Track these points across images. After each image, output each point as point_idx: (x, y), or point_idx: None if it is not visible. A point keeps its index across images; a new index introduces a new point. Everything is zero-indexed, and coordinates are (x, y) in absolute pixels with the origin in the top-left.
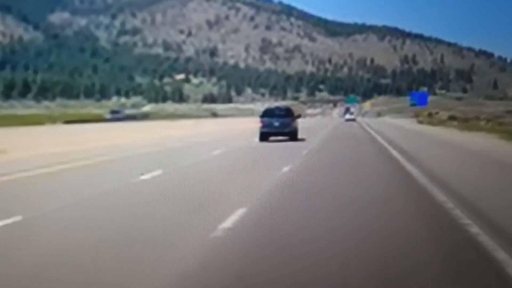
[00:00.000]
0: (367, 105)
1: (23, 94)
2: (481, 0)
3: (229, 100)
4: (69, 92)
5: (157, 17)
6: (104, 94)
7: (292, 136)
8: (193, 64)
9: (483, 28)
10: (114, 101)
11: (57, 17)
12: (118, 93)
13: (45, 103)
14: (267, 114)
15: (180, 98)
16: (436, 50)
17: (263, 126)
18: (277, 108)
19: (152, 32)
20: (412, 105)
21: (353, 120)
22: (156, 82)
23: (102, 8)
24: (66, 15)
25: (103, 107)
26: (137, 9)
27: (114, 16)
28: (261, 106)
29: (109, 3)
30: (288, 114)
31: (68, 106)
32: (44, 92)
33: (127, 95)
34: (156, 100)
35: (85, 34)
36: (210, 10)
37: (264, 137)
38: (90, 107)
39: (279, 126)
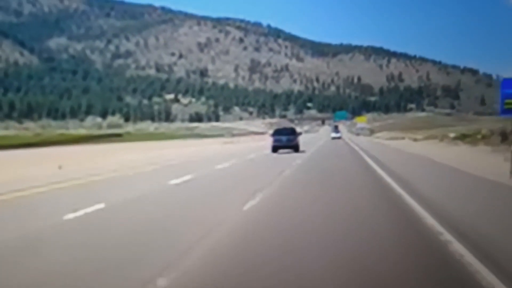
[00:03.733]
0: (361, 119)
1: (8, 116)
2: (464, 19)
3: (217, 119)
4: (55, 113)
5: (150, 41)
6: (91, 114)
7: (296, 148)
8: (184, 84)
9: (467, 46)
10: (89, 121)
11: (54, 42)
12: (104, 113)
13: (26, 124)
14: (277, 132)
15: (167, 117)
16: (422, 68)
17: (274, 141)
18: (284, 128)
19: (144, 55)
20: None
21: (339, 138)
22: (145, 102)
23: (98, 33)
24: (63, 40)
25: (81, 128)
26: (130, 34)
27: (109, 41)
28: (245, 124)
29: (104, 29)
30: (292, 132)
31: (50, 126)
32: (31, 113)
33: (113, 115)
34: (142, 120)
35: (80, 58)
36: (200, 34)
37: (275, 149)
38: (71, 128)
39: (286, 141)
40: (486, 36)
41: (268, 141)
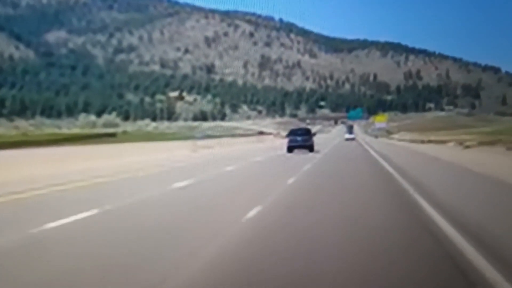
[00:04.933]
0: (380, 119)
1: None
2: (485, 14)
3: (222, 118)
4: (50, 111)
5: (155, 35)
6: (88, 112)
7: (310, 148)
8: (189, 81)
9: (489, 43)
10: (82, 119)
11: (53, 36)
12: (103, 111)
13: (18, 122)
14: (292, 133)
15: (170, 116)
16: (441, 66)
17: (290, 141)
18: (299, 128)
19: (148, 50)
20: None
21: (353, 139)
22: (148, 99)
23: (100, 26)
24: (62, 34)
25: (75, 127)
26: (134, 28)
27: (111, 35)
28: (253, 124)
29: (107, 22)
30: (307, 133)
31: (44, 125)
32: (24, 111)
33: (110, 113)
34: (142, 118)
35: (80, 52)
36: (208, 27)
37: (290, 149)
38: (64, 127)
39: (300, 141)
40: (510, 33)
41: (265, 143)
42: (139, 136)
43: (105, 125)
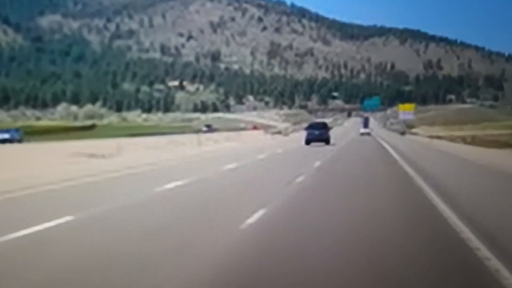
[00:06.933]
0: (407, 108)
1: None
2: (509, 1)
3: (223, 109)
4: (35, 101)
5: (156, 20)
6: (77, 102)
7: (326, 141)
8: (191, 69)
9: None
10: (61, 109)
11: (46, 20)
12: (94, 100)
13: None
14: (310, 127)
15: (168, 106)
16: (463, 55)
17: (308, 135)
18: (317, 123)
19: (149, 35)
20: None
21: (368, 134)
22: (145, 88)
23: (97, 10)
24: (57, 18)
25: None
26: (134, 11)
27: (109, 19)
28: (257, 116)
29: (105, 5)
30: (324, 127)
31: (24, 116)
32: (6, 101)
33: (93, 104)
34: (136, 109)
35: (75, 38)
36: (214, 12)
37: (308, 142)
38: (45, 119)
39: (318, 135)
40: None
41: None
42: (119, 129)
43: (87, 116)
